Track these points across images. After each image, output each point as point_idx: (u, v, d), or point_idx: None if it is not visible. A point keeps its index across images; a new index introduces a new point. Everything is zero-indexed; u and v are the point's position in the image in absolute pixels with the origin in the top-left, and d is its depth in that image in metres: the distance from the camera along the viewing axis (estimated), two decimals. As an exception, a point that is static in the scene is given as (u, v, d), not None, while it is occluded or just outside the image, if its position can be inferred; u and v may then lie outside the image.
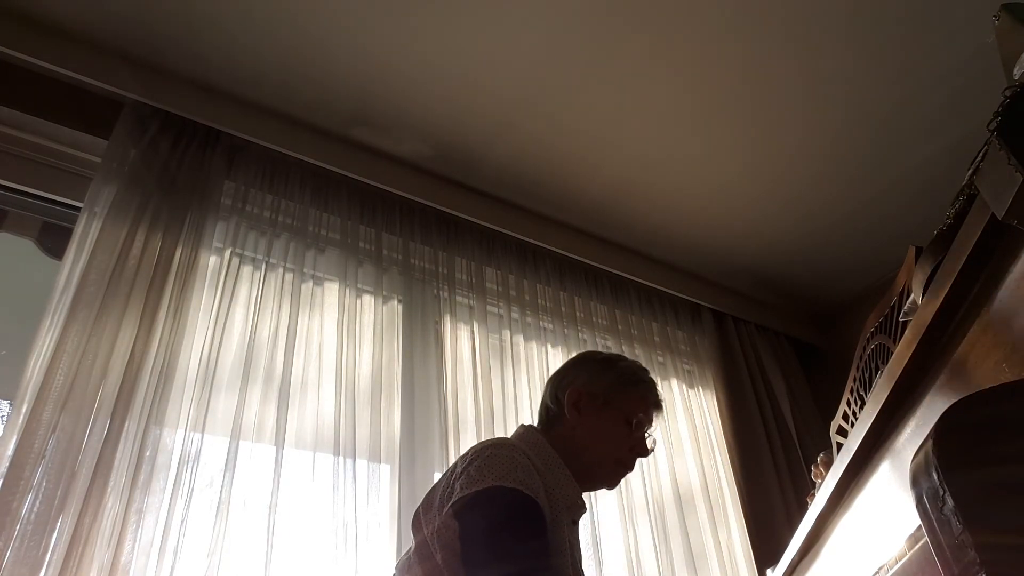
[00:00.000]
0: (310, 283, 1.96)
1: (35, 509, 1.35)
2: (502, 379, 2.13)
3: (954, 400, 0.56)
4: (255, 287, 1.86)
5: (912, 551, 0.78)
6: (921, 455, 0.55)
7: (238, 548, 1.53)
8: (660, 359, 2.59)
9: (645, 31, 1.95)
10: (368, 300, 2.04)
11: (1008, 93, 0.59)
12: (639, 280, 2.68)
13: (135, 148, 1.84)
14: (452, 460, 1.88)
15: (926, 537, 0.56)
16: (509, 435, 1.98)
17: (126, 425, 1.49)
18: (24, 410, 1.42)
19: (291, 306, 1.86)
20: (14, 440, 1.39)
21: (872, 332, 1.04)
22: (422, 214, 2.29)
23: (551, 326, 2.37)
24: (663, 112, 2.20)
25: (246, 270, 1.88)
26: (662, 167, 2.40)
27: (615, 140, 2.28)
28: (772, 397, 2.71)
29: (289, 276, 1.91)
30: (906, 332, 0.80)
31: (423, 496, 1.80)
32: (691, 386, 2.62)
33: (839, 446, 1.15)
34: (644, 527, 2.10)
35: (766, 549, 2.24)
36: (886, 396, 0.83)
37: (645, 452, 1.42)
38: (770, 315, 3.02)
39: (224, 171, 1.96)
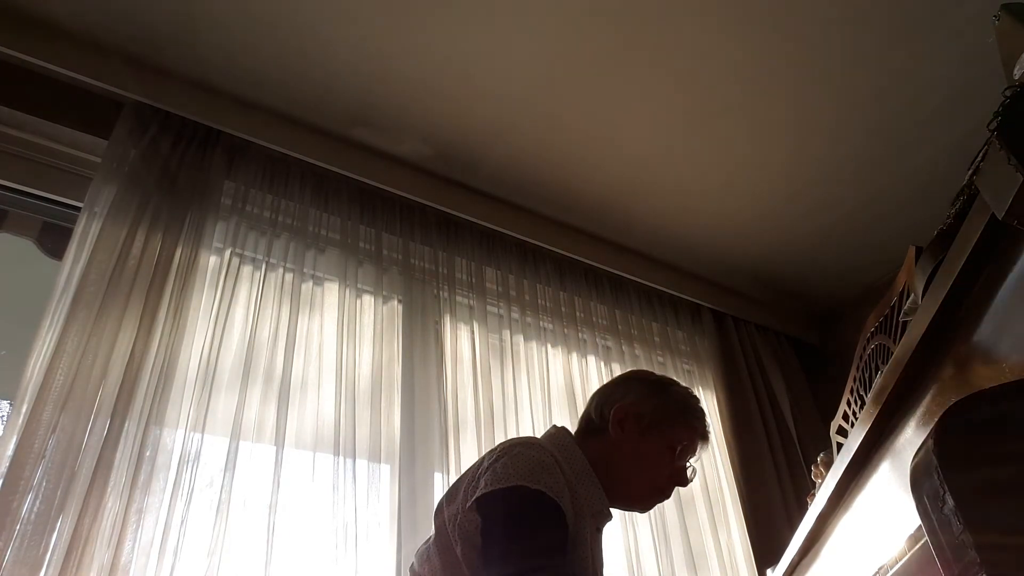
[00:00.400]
0: (310, 283, 1.96)
1: (35, 509, 1.35)
2: (502, 379, 2.13)
3: (954, 400, 0.56)
4: (255, 287, 1.86)
5: (912, 551, 0.78)
6: (921, 455, 0.55)
7: (238, 548, 1.53)
8: (660, 359, 2.59)
9: (645, 32, 1.95)
10: (368, 300, 2.04)
11: (1008, 93, 0.59)
12: (639, 280, 2.68)
13: (135, 148, 1.84)
14: (452, 460, 1.88)
15: (926, 537, 0.56)
16: (511, 435, 2.00)
17: (126, 425, 1.49)
18: (24, 410, 1.42)
19: (291, 306, 1.86)
20: (14, 440, 1.39)
21: (872, 332, 1.04)
22: (422, 214, 2.29)
23: (551, 326, 2.37)
24: (663, 112, 2.20)
25: (246, 270, 1.88)
26: (662, 167, 2.40)
27: (615, 140, 2.28)
28: (772, 397, 2.71)
29: (289, 276, 1.91)
30: (906, 332, 0.80)
31: (423, 496, 1.82)
32: (691, 386, 2.61)
33: (839, 446, 1.15)
34: (644, 527, 2.10)
35: (766, 549, 2.24)
36: (886, 396, 0.83)
37: (684, 482, 1.39)
38: (770, 315, 3.02)
39: (224, 171, 1.96)
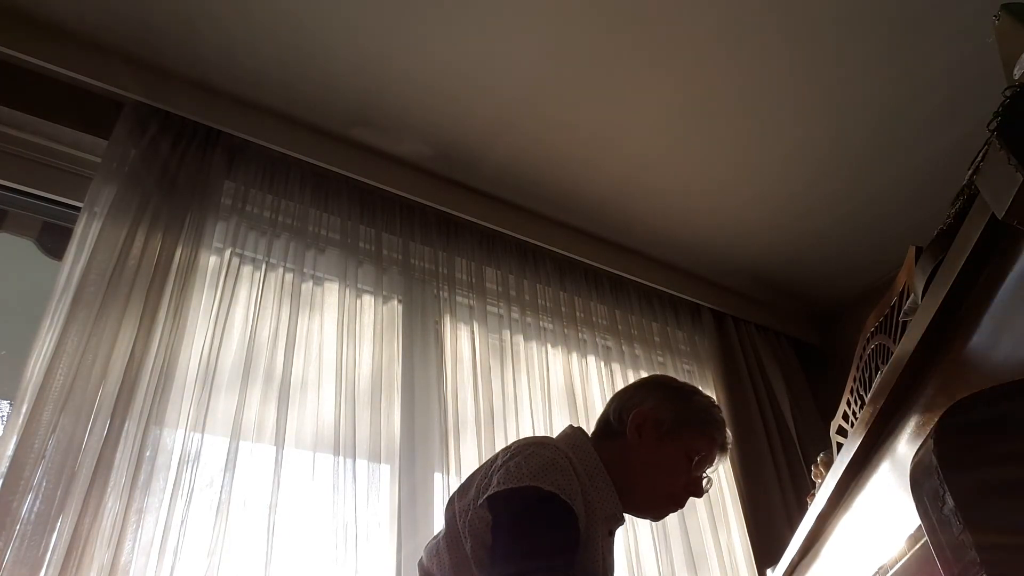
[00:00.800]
0: (310, 283, 1.96)
1: (35, 509, 1.35)
2: (502, 379, 2.13)
3: (954, 400, 0.56)
4: (255, 287, 1.86)
5: (912, 551, 0.78)
6: (921, 455, 0.55)
7: (238, 548, 1.53)
8: (660, 359, 2.59)
9: (645, 32, 1.95)
10: (368, 300, 2.04)
11: (1008, 93, 0.59)
12: (639, 280, 2.68)
13: (135, 148, 1.84)
14: (452, 460, 1.88)
15: (926, 537, 0.56)
16: (511, 435, 2.00)
17: (126, 425, 1.49)
18: (24, 410, 1.42)
19: (291, 306, 1.86)
20: (14, 440, 1.39)
21: (872, 332, 1.04)
22: (422, 214, 2.29)
23: (551, 326, 2.37)
24: (663, 112, 2.20)
25: (246, 270, 1.88)
26: (662, 167, 2.40)
27: (615, 140, 2.28)
28: (772, 397, 2.71)
29: (289, 276, 1.91)
30: (906, 332, 0.80)
31: (423, 496, 1.82)
32: (691, 386, 2.62)
33: (839, 446, 1.15)
34: (644, 527, 2.10)
35: (766, 549, 2.24)
36: (886, 396, 0.83)
37: (699, 493, 1.37)
38: (770, 315, 3.02)
39: (224, 171, 1.96)
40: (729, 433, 1.43)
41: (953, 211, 0.72)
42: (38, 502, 1.36)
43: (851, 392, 1.11)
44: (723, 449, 1.41)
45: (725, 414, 2.53)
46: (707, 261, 2.83)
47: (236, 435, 1.63)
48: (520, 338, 2.26)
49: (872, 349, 1.03)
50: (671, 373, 2.57)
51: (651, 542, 2.10)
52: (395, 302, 2.11)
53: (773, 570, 1.48)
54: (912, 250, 0.85)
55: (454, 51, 1.97)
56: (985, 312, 0.65)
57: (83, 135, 1.86)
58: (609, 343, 2.48)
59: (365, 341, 1.95)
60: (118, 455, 1.46)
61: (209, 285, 1.79)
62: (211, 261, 1.83)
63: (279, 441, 1.66)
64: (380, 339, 1.98)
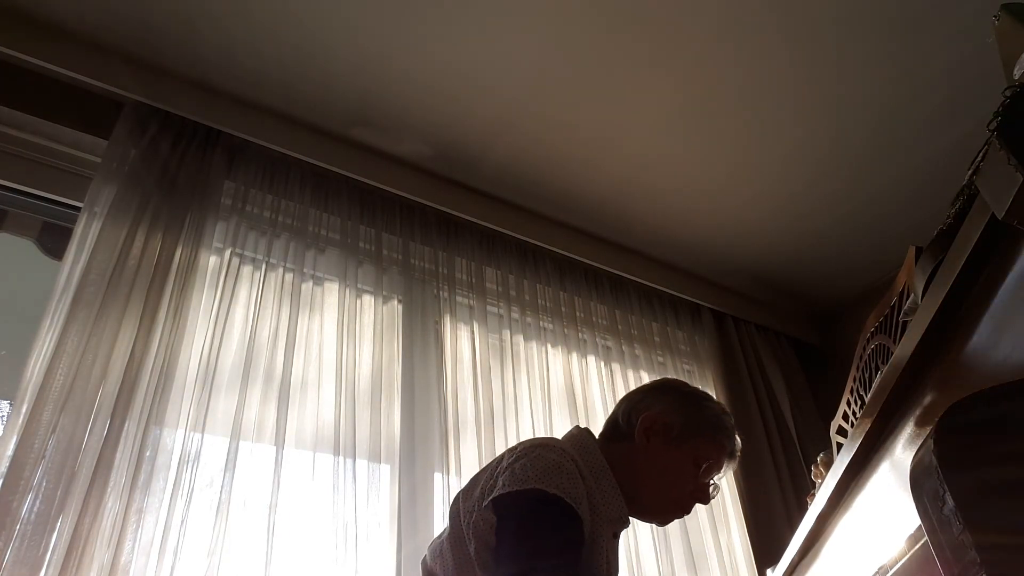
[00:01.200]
0: (310, 283, 1.96)
1: (35, 509, 1.35)
2: (502, 379, 2.13)
3: (954, 400, 0.56)
4: (255, 287, 1.86)
5: (912, 551, 0.78)
6: (921, 455, 0.55)
7: (238, 548, 1.53)
8: (660, 359, 2.59)
9: (645, 31, 1.95)
10: (368, 300, 2.04)
11: (1008, 93, 0.59)
12: (639, 280, 2.68)
13: (135, 148, 1.84)
14: (452, 460, 1.88)
15: (926, 537, 0.56)
16: (511, 436, 2.00)
17: (126, 425, 1.49)
18: (24, 410, 1.42)
19: (291, 306, 1.86)
20: (14, 440, 1.39)
21: (872, 332, 1.04)
22: (422, 214, 2.29)
23: (551, 326, 2.37)
24: (663, 112, 2.20)
25: (246, 270, 1.88)
26: (662, 167, 2.40)
27: (615, 140, 2.28)
28: (772, 397, 2.71)
29: (289, 276, 1.91)
30: (906, 332, 0.79)
31: (423, 496, 1.82)
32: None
33: (839, 446, 1.15)
34: (644, 527, 2.10)
35: (766, 549, 2.24)
36: (886, 396, 0.83)
37: (707, 499, 1.36)
38: (770, 315, 3.02)
39: (224, 171, 1.96)
40: (739, 440, 1.41)
41: (953, 211, 0.72)
42: (38, 502, 1.36)
43: (851, 392, 1.11)
44: (732, 457, 1.39)
45: (725, 414, 2.54)
46: (707, 261, 2.83)
47: (236, 435, 1.63)
48: (520, 338, 2.26)
49: (872, 349, 1.03)
50: (671, 373, 2.57)
51: (651, 542, 2.10)
52: (395, 302, 2.11)
53: (773, 570, 1.48)
54: (912, 250, 0.85)
55: (454, 51, 1.97)
56: (985, 312, 0.65)
57: (83, 135, 1.86)
58: (609, 343, 2.48)
59: (365, 341, 1.95)
60: (118, 455, 1.46)
61: (209, 285, 1.79)
62: (211, 261, 1.83)
63: (279, 441, 1.66)
64: (380, 339, 1.98)
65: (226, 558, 1.50)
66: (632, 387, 2.36)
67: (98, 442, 1.45)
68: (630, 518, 1.32)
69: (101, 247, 1.65)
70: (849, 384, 1.12)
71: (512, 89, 2.09)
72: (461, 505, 1.21)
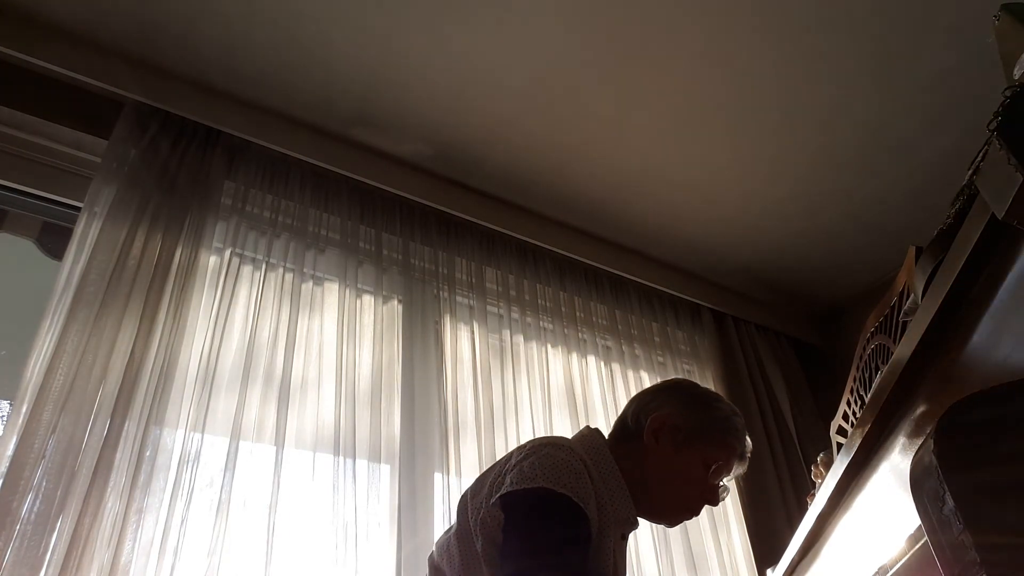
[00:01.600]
0: (310, 283, 1.96)
1: (35, 509, 1.35)
2: (502, 379, 2.13)
3: (954, 400, 0.56)
4: (255, 287, 1.86)
5: (912, 551, 0.78)
6: (921, 455, 0.55)
7: (238, 548, 1.53)
8: (660, 359, 2.59)
9: (646, 32, 1.95)
10: (368, 300, 2.04)
11: (1008, 93, 0.59)
12: (639, 280, 2.68)
13: (135, 148, 1.83)
14: (452, 460, 1.88)
15: (926, 537, 0.56)
16: (511, 436, 2.00)
17: (126, 425, 1.49)
18: (24, 410, 1.42)
19: (291, 306, 1.86)
20: (14, 440, 1.39)
21: (872, 332, 1.04)
22: (422, 214, 2.29)
23: (551, 326, 2.37)
24: (663, 112, 2.20)
25: (246, 270, 1.88)
26: (662, 167, 2.40)
27: (615, 140, 2.28)
28: (772, 397, 2.71)
29: (289, 276, 1.91)
30: (906, 332, 0.79)
31: (423, 496, 1.82)
32: (691, 386, 2.62)
33: (839, 446, 1.15)
34: (644, 528, 2.10)
35: (766, 549, 2.24)
36: (886, 396, 0.83)
37: (716, 501, 1.35)
38: (770, 315, 3.02)
39: (224, 171, 1.96)
40: (749, 442, 1.40)
41: (953, 211, 0.72)
42: (38, 502, 1.36)
43: (851, 392, 1.11)
44: (742, 458, 1.38)
45: (725, 414, 2.54)
46: (707, 261, 2.83)
47: (236, 435, 1.63)
48: (520, 338, 2.26)
49: (872, 349, 1.03)
50: (671, 373, 2.57)
51: (651, 542, 2.10)
52: (395, 302, 2.11)
53: (773, 570, 1.48)
54: (912, 250, 0.85)
55: (455, 52, 1.97)
56: (985, 312, 0.65)
57: (83, 135, 1.86)
58: (609, 343, 2.48)
59: (365, 341, 1.95)
60: (118, 455, 1.46)
61: (209, 285, 1.79)
62: (211, 261, 1.83)
63: (279, 441, 1.66)
64: (380, 339, 1.98)
65: (226, 558, 1.50)
66: (632, 387, 2.37)
67: (98, 442, 1.45)
68: (638, 519, 1.32)
69: (101, 247, 1.65)
70: (849, 384, 1.12)
71: (512, 89, 2.09)
72: (469, 502, 1.21)
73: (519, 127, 2.21)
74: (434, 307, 2.16)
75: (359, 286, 2.03)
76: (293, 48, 1.93)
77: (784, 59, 2.05)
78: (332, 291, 1.99)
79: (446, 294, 2.19)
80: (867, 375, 1.05)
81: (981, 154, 0.62)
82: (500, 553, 1.11)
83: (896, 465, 0.84)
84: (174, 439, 1.57)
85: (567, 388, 2.25)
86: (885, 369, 0.90)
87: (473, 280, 2.28)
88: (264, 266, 1.90)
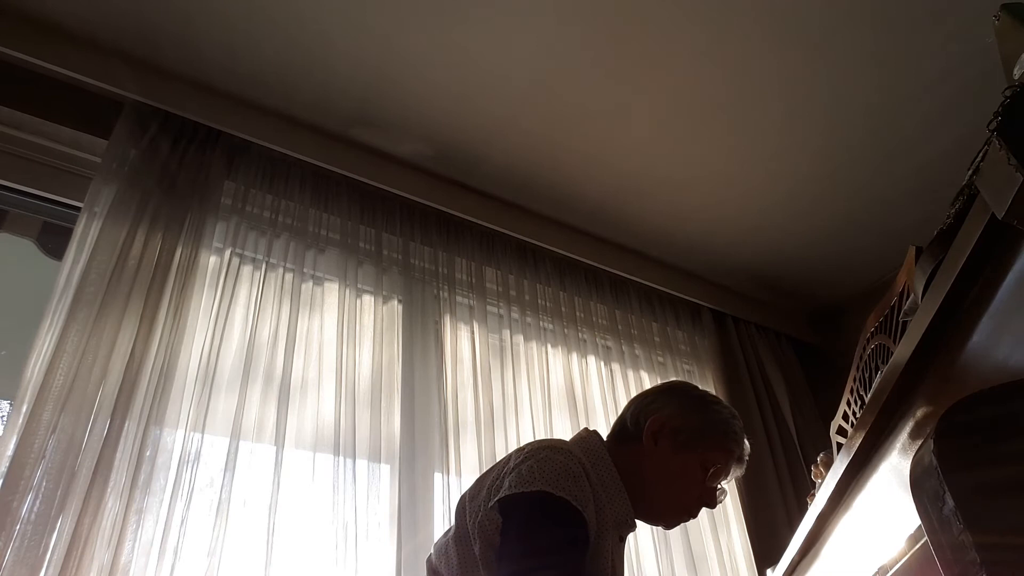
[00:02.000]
0: (310, 283, 1.96)
1: (35, 509, 1.35)
2: (502, 379, 2.13)
3: (954, 400, 0.56)
4: (255, 287, 1.86)
5: (912, 551, 0.78)
6: (921, 455, 0.55)
7: (238, 548, 1.53)
8: (660, 359, 2.59)
9: (645, 31, 1.95)
10: (368, 300, 2.04)
11: (1008, 93, 0.59)
12: (639, 280, 2.68)
13: (135, 148, 1.84)
14: (452, 460, 1.88)
15: (926, 537, 0.56)
16: (511, 436, 2.00)
17: (126, 425, 1.50)
18: (24, 410, 1.42)
19: (291, 306, 1.86)
20: (14, 440, 1.39)
21: (872, 332, 1.03)
22: (422, 214, 2.29)
23: (551, 326, 2.37)
24: (663, 112, 2.20)
25: (246, 270, 1.88)
26: (662, 167, 2.40)
27: (615, 140, 2.28)
28: (772, 397, 2.71)
29: (289, 276, 1.91)
30: (906, 332, 0.79)
31: (423, 496, 1.82)
32: (691, 386, 2.62)
33: (839, 446, 1.15)
34: (644, 528, 2.10)
35: (766, 549, 2.24)
36: (886, 396, 0.83)
37: (713, 504, 1.35)
38: (770, 315, 3.02)
39: (224, 171, 1.96)
40: (748, 445, 1.40)
41: (953, 211, 0.72)
42: (38, 502, 1.36)
43: (851, 392, 1.11)
44: (740, 461, 1.38)
45: (725, 414, 2.54)
46: (707, 261, 2.83)
47: (236, 435, 1.63)
48: (520, 338, 2.26)
49: (872, 349, 1.03)
50: (671, 373, 2.57)
51: (651, 543, 2.10)
52: (395, 302, 2.11)
53: (773, 570, 1.48)
54: (912, 250, 0.85)
55: (455, 52, 1.97)
56: (985, 312, 0.65)
57: (83, 135, 1.86)
58: (609, 343, 2.48)
59: (365, 341, 1.95)
60: (118, 455, 1.46)
61: (209, 285, 1.79)
62: (211, 261, 1.83)
63: (279, 441, 1.66)
64: (380, 339, 1.98)
65: (226, 558, 1.50)
66: (632, 387, 2.37)
67: (98, 442, 1.45)
68: (636, 521, 1.32)
69: (101, 247, 1.65)
70: (849, 384, 1.12)
71: (512, 89, 2.09)
72: (467, 505, 1.21)
73: (519, 127, 2.21)
74: (434, 307, 2.16)
75: (359, 286, 2.03)
76: (293, 48, 1.93)
77: (784, 59, 2.05)
78: (332, 291, 1.99)
79: (446, 294, 2.19)
80: (867, 375, 1.05)
81: (981, 154, 0.62)
82: (498, 556, 1.11)
83: (896, 465, 0.84)
84: (174, 439, 1.57)
85: (567, 388, 2.25)
86: (885, 369, 0.90)
87: (473, 280, 2.28)
88: (264, 266, 1.90)
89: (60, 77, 1.84)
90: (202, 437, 1.59)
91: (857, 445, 0.91)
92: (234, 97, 2.05)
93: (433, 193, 2.31)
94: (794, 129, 2.28)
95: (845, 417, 1.15)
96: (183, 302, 1.70)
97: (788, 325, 3.06)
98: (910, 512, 0.62)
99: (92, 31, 1.85)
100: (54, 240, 1.87)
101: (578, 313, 2.46)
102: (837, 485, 1.01)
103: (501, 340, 2.22)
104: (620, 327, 2.53)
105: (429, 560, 1.27)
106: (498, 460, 1.28)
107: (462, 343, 2.13)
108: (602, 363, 2.40)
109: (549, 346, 2.32)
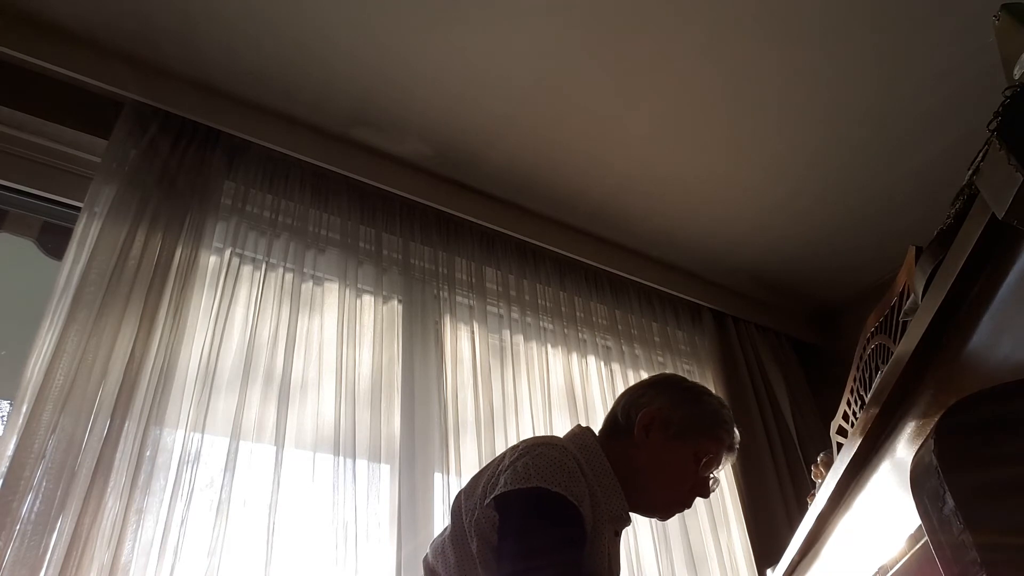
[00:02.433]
0: (310, 283, 1.96)
1: (35, 509, 1.35)
2: (502, 379, 2.13)
3: (954, 400, 0.56)
4: (255, 287, 1.86)
5: (912, 551, 0.78)
6: (921, 455, 0.55)
7: (238, 548, 1.53)
8: (660, 359, 2.59)
9: (646, 31, 1.95)
10: (368, 300, 2.04)
11: (1008, 93, 0.59)
12: (639, 280, 2.68)
13: (135, 148, 1.84)
14: (452, 460, 1.88)
15: (926, 537, 0.56)
16: (511, 436, 2.00)
17: (126, 425, 1.49)
18: (24, 410, 1.42)
19: (291, 306, 1.86)
20: (14, 440, 1.39)
21: (872, 332, 1.04)
22: (422, 214, 2.29)
23: (551, 326, 2.37)
24: (663, 112, 2.20)
25: (246, 270, 1.88)
26: (662, 167, 2.40)
27: (615, 140, 2.28)
28: (772, 397, 2.72)
29: (289, 276, 1.91)
30: (906, 332, 0.79)
31: (423, 496, 1.82)
32: (691, 386, 2.62)
33: (839, 446, 1.15)
34: (644, 528, 2.10)
35: (766, 549, 2.24)
36: (886, 396, 0.83)
37: (707, 493, 1.36)
38: (770, 315, 3.02)
39: (224, 171, 1.96)
40: (738, 434, 1.42)
41: (953, 211, 0.72)
42: (38, 502, 1.36)
43: (851, 392, 1.11)
44: (731, 450, 1.40)
45: (725, 414, 2.54)
46: (707, 261, 2.83)
47: (236, 435, 1.63)
48: (520, 338, 2.26)
49: (872, 349, 1.03)
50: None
51: (651, 542, 2.10)
52: (395, 302, 2.11)
53: (773, 570, 1.48)
54: (912, 250, 0.85)
55: (454, 52, 1.97)
56: (985, 312, 0.65)
57: (83, 135, 1.86)
58: (609, 343, 2.48)
59: (365, 341, 1.95)
60: (118, 455, 1.46)
61: (209, 285, 1.79)
62: (211, 261, 1.83)
63: (279, 441, 1.66)
64: (380, 339, 1.98)
65: (226, 558, 1.50)
66: (632, 387, 2.37)
67: (98, 442, 1.45)
68: (631, 514, 1.32)
69: (101, 247, 1.65)
70: (849, 384, 1.12)
71: (512, 89, 2.09)
72: (463, 503, 1.21)
73: (519, 127, 2.21)
74: (434, 307, 2.16)
75: (359, 286, 2.03)
76: (293, 48, 1.93)
77: (784, 59, 2.05)
78: (332, 291, 1.99)
79: (446, 294, 2.19)
80: (867, 375, 1.05)
81: (981, 154, 0.62)
82: (496, 554, 1.11)
83: (896, 465, 0.84)
84: (174, 439, 1.57)
85: (567, 388, 2.25)
86: (885, 369, 0.90)
87: (473, 280, 2.28)
88: (264, 266, 1.90)
89: (60, 77, 1.84)
90: (202, 437, 1.59)
91: (857, 445, 0.92)
92: (234, 97, 2.05)
93: (433, 193, 2.31)
94: (794, 129, 2.28)
95: (845, 417, 1.15)
96: (183, 302, 1.70)
97: (788, 325, 3.06)
98: (910, 512, 0.62)
99: (92, 31, 1.85)
100: (54, 240, 1.87)
101: (578, 313, 2.46)
102: (837, 485, 1.01)
103: (501, 340, 2.22)
104: (620, 327, 2.53)
105: (425, 560, 1.27)
106: (493, 459, 1.28)
107: (462, 343, 2.13)
108: (602, 363, 2.40)
109: (549, 346, 2.32)
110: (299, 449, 1.71)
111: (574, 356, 2.34)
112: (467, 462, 1.90)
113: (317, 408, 1.78)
